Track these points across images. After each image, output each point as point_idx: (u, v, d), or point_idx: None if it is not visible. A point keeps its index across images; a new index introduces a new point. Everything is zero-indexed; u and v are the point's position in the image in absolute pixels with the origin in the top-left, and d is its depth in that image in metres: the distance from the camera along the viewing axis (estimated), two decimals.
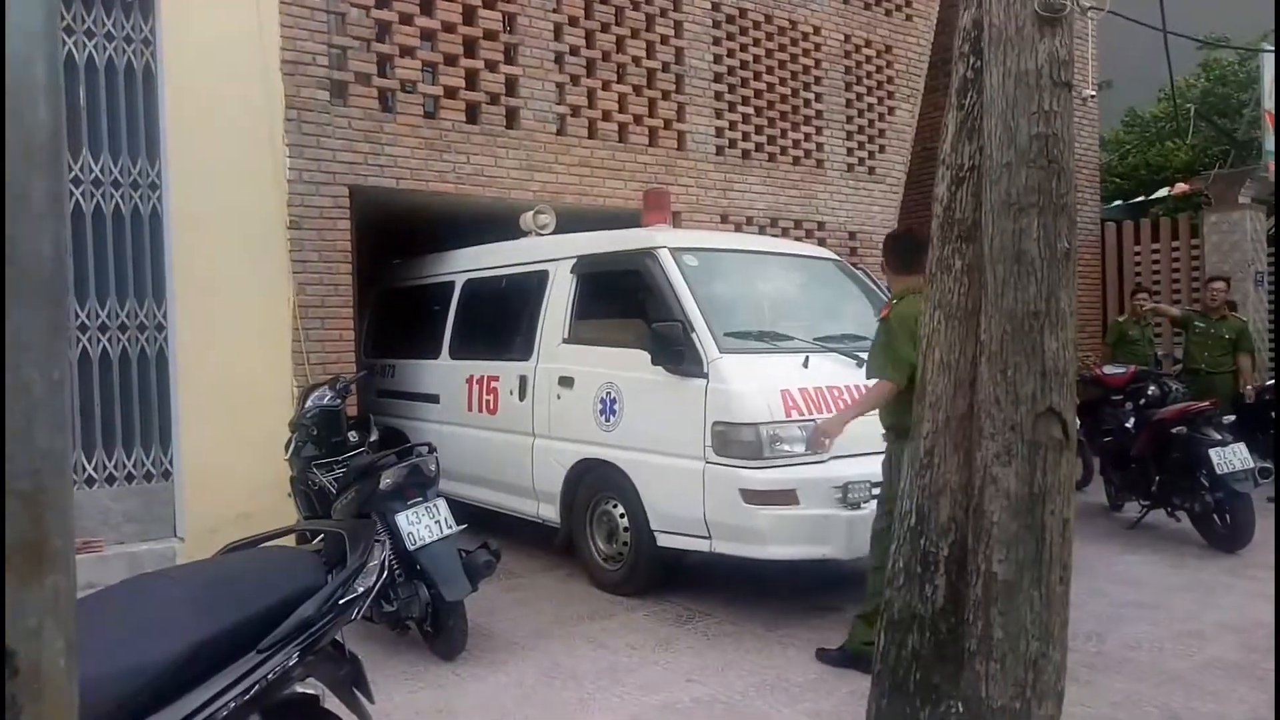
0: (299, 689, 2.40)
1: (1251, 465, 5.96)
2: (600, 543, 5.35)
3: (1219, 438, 6.02)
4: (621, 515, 5.14)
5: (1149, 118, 14.63)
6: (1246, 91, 12.61)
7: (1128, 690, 3.82)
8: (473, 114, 6.71)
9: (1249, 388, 7.99)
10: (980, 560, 2.18)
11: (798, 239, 8.27)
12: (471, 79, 6.68)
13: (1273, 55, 9.79)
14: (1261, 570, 5.61)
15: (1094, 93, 10.98)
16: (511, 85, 6.87)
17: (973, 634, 2.18)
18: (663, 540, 4.91)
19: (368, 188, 6.23)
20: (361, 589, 2.26)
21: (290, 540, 2.84)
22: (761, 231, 8.21)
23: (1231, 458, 5.90)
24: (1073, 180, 2.16)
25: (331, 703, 2.47)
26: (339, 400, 4.91)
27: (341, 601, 2.19)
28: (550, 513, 5.62)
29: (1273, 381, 8.36)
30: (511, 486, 5.88)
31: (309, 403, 4.89)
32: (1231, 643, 4.37)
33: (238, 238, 5.66)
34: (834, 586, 5.19)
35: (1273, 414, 7.48)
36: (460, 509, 5.43)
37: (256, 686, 2.01)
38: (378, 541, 2.41)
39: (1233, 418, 6.46)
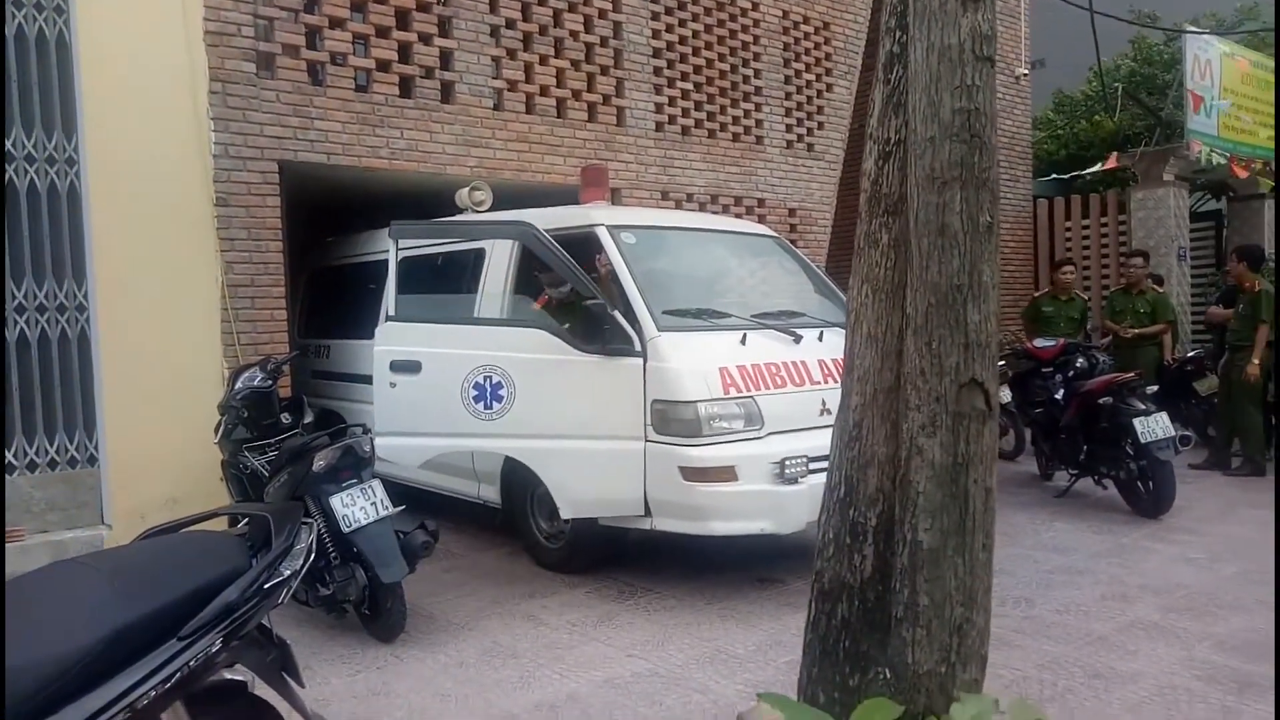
0: (227, 675, 2.35)
1: (1173, 434, 6.18)
2: (542, 522, 5.33)
3: (1143, 408, 6.22)
4: None
5: (1079, 97, 14.97)
6: (1171, 71, 12.96)
7: (1054, 652, 3.95)
8: (406, 88, 6.56)
9: (1170, 357, 8.29)
10: (907, 529, 2.22)
11: (738, 216, 8.29)
12: (404, 52, 6.53)
13: (1195, 38, 10.07)
14: (1181, 534, 5.84)
15: (1027, 71, 11.19)
16: (446, 59, 6.73)
17: (899, 601, 2.23)
18: (605, 519, 4.90)
19: (298, 163, 6.07)
20: (288, 572, 2.21)
21: (218, 524, 2.77)
22: (702, 208, 8.21)
23: (1154, 427, 6.10)
24: (995, 155, 2.19)
25: (263, 689, 2.43)
26: (270, 381, 4.80)
27: (266, 586, 2.15)
28: (491, 493, 5.58)
29: (1192, 353, 8.68)
30: (452, 468, 5.81)
31: (239, 384, 4.77)
32: (1152, 604, 4.54)
33: (161, 215, 5.48)
34: (772, 559, 5.26)
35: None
36: (401, 491, 5.37)
37: (179, 673, 1.97)
38: (305, 524, 2.36)
39: (1155, 388, 6.67)
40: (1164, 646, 4.00)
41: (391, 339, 4.97)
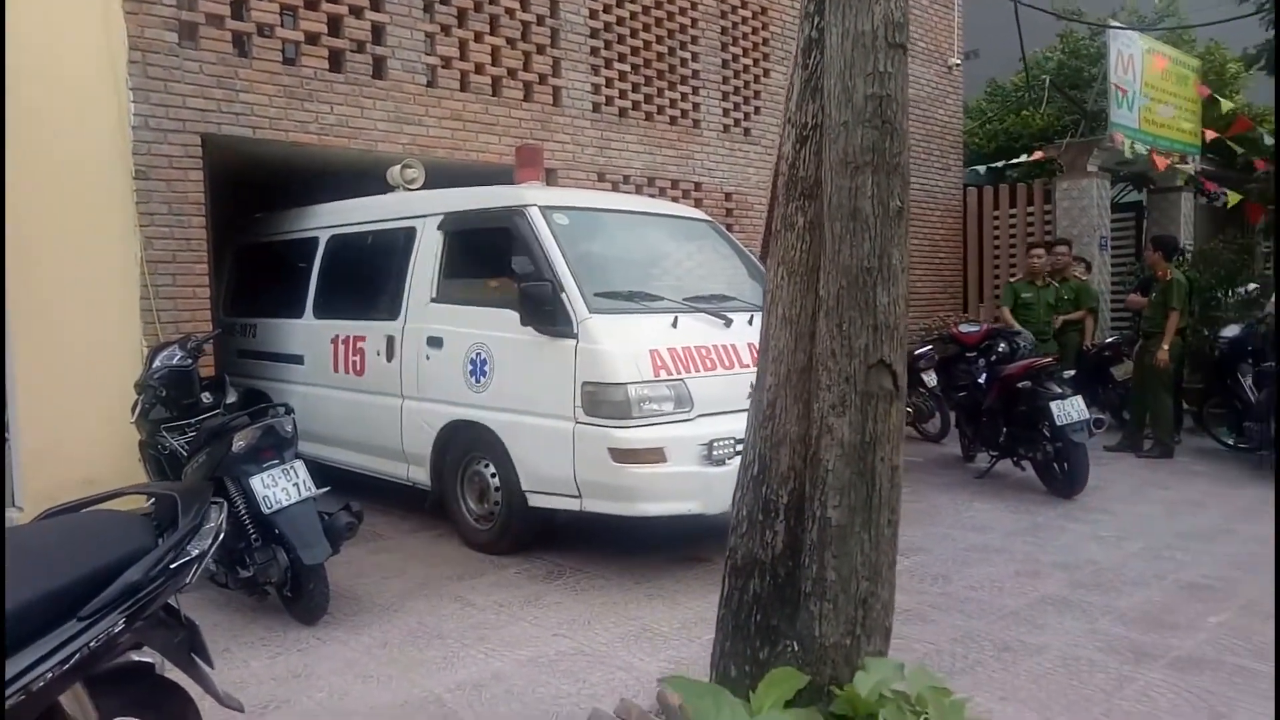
0: (135, 657, 2.30)
1: (1087, 416, 6.40)
2: (471, 503, 5.32)
3: (1059, 391, 6.43)
4: (493, 475, 5.12)
5: (1010, 87, 15.35)
6: (1096, 65, 13.32)
7: (967, 627, 4.09)
8: (337, 62, 6.43)
9: (1089, 343, 8.58)
10: (816, 506, 2.27)
11: (674, 199, 8.32)
12: (335, 25, 6.39)
13: (1119, 33, 10.37)
14: (1093, 513, 6.07)
15: (959, 61, 11.40)
16: (378, 33, 6.61)
17: (808, 576, 2.28)
18: (534, 500, 4.92)
19: (221, 136, 5.91)
20: (195, 552, 2.17)
21: (129, 505, 2.70)
22: (638, 191, 8.22)
23: (1070, 410, 6.32)
24: (906, 140, 2.24)
25: (175, 672, 2.38)
26: (190, 360, 4.68)
27: (173, 566, 2.10)
28: (420, 475, 5.54)
29: (1111, 339, 8.99)
30: (380, 449, 5.76)
31: (156, 362, 4.65)
32: (1062, 580, 4.72)
33: (77, 187, 5.30)
34: (700, 539, 5.32)
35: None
36: (331, 473, 5.31)
37: (77, 655, 1.92)
38: (214, 503, 2.32)
39: (1072, 372, 6.89)
40: (1070, 620, 4.16)
41: (425, 318, 5.45)
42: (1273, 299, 8.38)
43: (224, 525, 2.25)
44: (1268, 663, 3.65)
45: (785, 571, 2.35)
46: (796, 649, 2.27)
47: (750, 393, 4.83)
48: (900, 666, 2.18)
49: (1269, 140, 11.52)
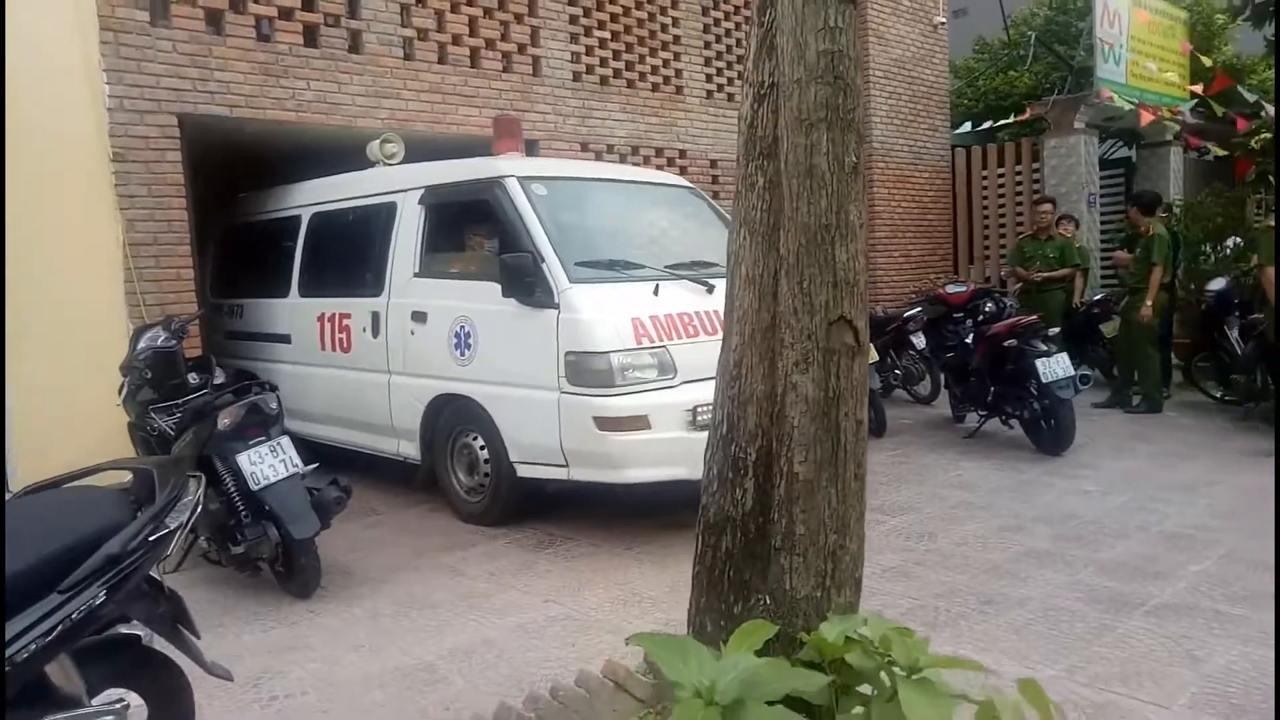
0: (124, 630, 2.35)
1: (1073, 373, 6.43)
2: (461, 475, 5.37)
3: (1045, 349, 6.46)
4: (482, 447, 5.17)
5: (998, 45, 15.25)
6: (1084, 19, 13.23)
7: (951, 581, 4.15)
8: (311, 37, 6.39)
9: (1078, 300, 8.59)
10: (783, 462, 2.30)
11: (659, 167, 8.30)
12: (308, 0, 6.34)
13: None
14: (1079, 469, 6.12)
15: (944, 20, 11.31)
16: (353, 6, 6.56)
17: (777, 531, 2.32)
18: (522, 471, 4.97)
19: (199, 116, 5.89)
20: (174, 525, 2.21)
21: (114, 479, 2.74)
22: (622, 160, 8.19)
23: (1055, 367, 6.35)
24: (859, 96, 2.25)
25: (163, 644, 2.43)
26: (174, 341, 4.70)
27: (151, 538, 2.14)
28: (410, 449, 5.58)
29: (1099, 296, 9.01)
30: (370, 425, 5.80)
31: (140, 344, 4.68)
32: (1044, 534, 4.78)
33: (55, 171, 5.28)
34: (688, 504, 5.37)
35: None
36: (332, 453, 5.33)
37: (60, 627, 1.96)
38: (193, 477, 2.35)
39: (1057, 330, 6.91)
40: (1052, 572, 4.22)
41: (409, 293, 5.47)
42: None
43: (201, 499, 2.29)
44: (1246, 607, 3.72)
45: (756, 527, 2.39)
46: (768, 602, 2.32)
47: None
48: (863, 620, 2.22)
49: (1250, 97, 11.45)
